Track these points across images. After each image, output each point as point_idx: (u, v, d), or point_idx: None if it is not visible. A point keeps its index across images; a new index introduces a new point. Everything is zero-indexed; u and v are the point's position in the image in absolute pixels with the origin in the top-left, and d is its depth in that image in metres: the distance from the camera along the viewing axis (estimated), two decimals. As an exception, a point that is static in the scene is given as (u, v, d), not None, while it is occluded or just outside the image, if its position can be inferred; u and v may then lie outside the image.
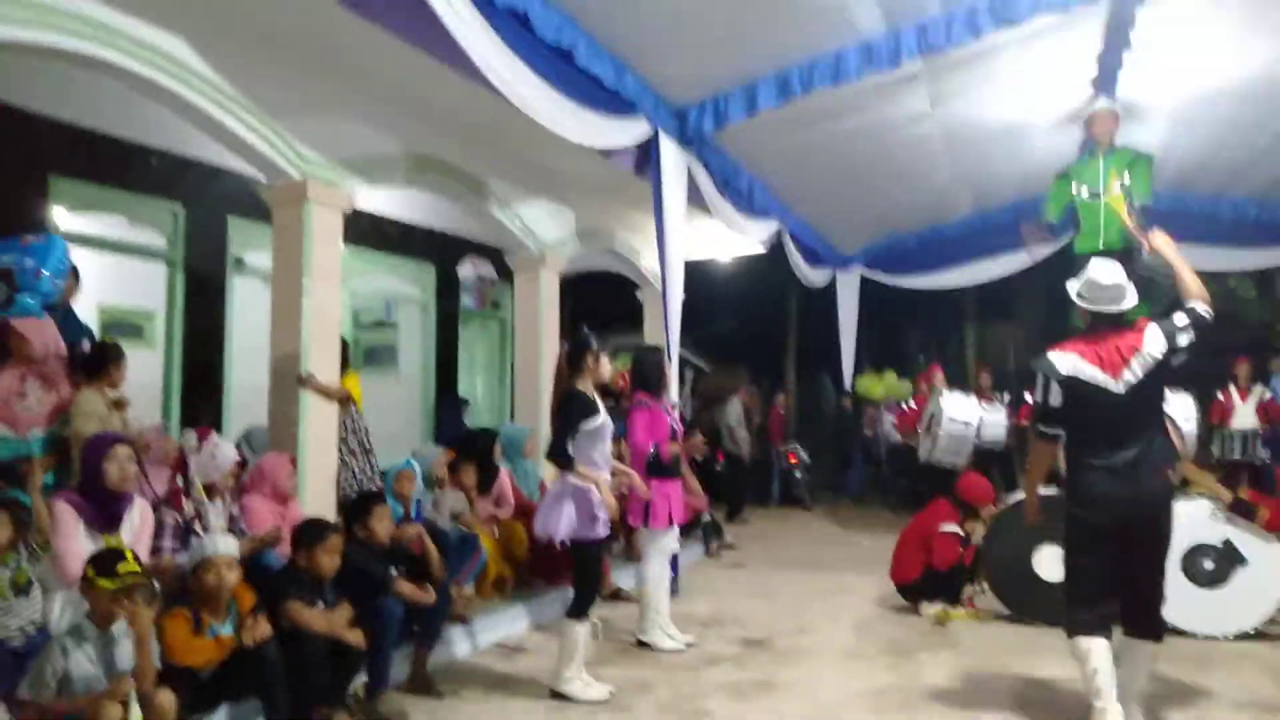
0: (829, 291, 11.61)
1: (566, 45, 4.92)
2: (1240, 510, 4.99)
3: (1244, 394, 9.42)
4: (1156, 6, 5.76)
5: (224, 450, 4.17)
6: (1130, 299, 3.61)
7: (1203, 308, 3.57)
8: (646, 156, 6.35)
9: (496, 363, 9.61)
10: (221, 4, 4.18)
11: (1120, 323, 3.60)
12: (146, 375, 6.07)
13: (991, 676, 4.44)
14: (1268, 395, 9.35)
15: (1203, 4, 5.72)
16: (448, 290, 8.94)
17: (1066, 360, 3.58)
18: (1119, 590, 3.62)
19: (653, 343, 6.61)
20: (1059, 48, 6.42)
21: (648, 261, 8.25)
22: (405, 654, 4.23)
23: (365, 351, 9.51)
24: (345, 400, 5.24)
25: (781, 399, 13.18)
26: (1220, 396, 9.47)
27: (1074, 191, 5.77)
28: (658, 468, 5.06)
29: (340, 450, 5.27)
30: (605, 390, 4.44)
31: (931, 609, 5.61)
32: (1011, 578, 5.45)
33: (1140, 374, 3.49)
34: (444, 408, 8.57)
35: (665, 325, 6.47)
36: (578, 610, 4.23)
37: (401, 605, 4.01)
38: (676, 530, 5.75)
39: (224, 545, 3.46)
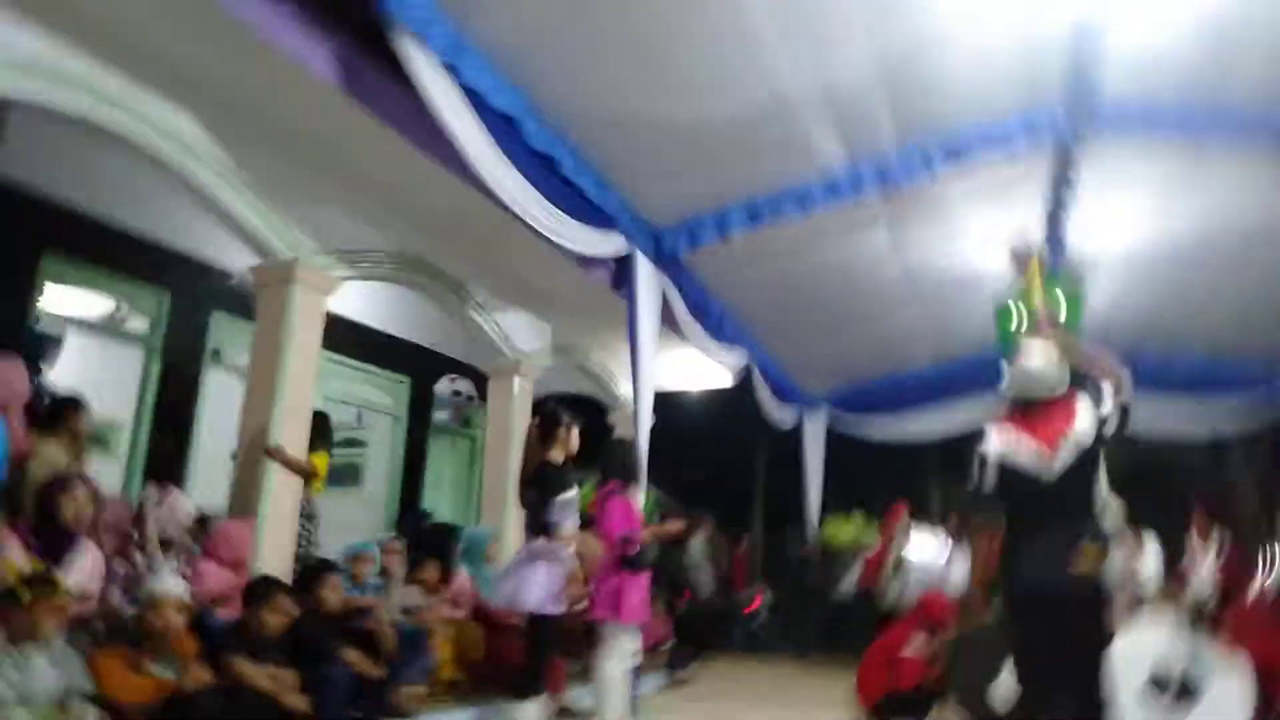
0: (797, 442, 11.79)
1: (553, 155, 5.28)
2: (1201, 633, 4.97)
3: (1205, 549, 9.47)
4: (1094, 159, 6.32)
5: (182, 504, 4.12)
6: (1062, 384, 3.64)
7: (1126, 392, 3.60)
8: (623, 272, 6.65)
9: (464, 481, 9.54)
10: (230, 89, 4.48)
11: (1052, 405, 3.60)
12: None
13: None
14: (1228, 551, 9.41)
15: (1136, 161, 6.28)
16: (420, 404, 9.00)
17: (1004, 439, 3.58)
18: (1065, 692, 3.55)
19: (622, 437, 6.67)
20: (1009, 196, 6.96)
21: (620, 383, 8.41)
22: (347, 740, 4.02)
23: (330, 470, 9.43)
24: (311, 476, 5.21)
25: (745, 543, 13.02)
26: (1185, 553, 9.53)
27: (1014, 310, 6.01)
28: (629, 560, 5.01)
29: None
30: (568, 463, 4.47)
31: (898, 731, 5.41)
32: (977, 694, 5.30)
33: (1071, 458, 3.48)
34: (406, 521, 8.44)
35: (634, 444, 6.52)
36: (527, 689, 4.07)
37: (347, 676, 3.86)
38: (639, 638, 5.61)
39: (172, 586, 3.37)
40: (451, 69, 4.38)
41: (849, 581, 11.51)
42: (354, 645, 4.23)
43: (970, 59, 5.23)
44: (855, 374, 11.13)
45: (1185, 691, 4.89)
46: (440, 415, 8.68)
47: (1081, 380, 3.71)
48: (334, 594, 4.18)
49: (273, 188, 4.96)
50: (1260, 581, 8.69)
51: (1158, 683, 4.92)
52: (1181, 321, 9.03)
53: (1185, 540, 9.57)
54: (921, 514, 13.37)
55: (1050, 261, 7.16)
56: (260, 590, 3.71)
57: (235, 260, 5.91)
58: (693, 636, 10.00)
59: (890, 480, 15.88)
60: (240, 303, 6.32)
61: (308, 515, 5.26)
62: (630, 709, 5.86)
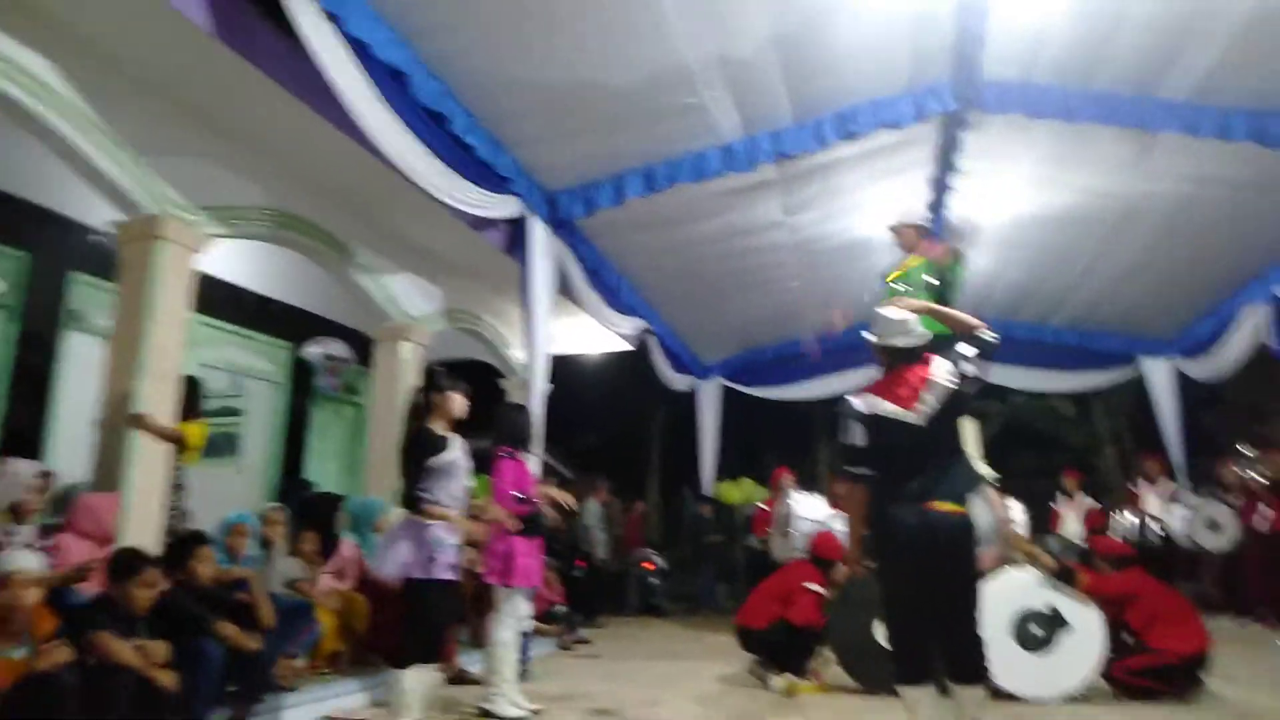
0: (692, 406, 11.96)
1: (443, 112, 5.11)
2: (1064, 576, 5.31)
3: (1072, 504, 10.14)
4: (977, 133, 6.55)
5: (17, 468, 3.85)
6: (918, 331, 3.82)
7: (987, 335, 3.82)
8: (517, 236, 6.54)
9: (351, 450, 9.26)
10: (91, 32, 4.14)
11: (912, 359, 3.79)
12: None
13: (838, 738, 4.44)
14: (1092, 505, 10.10)
15: (1015, 136, 6.53)
16: (303, 371, 8.67)
17: (866, 400, 3.75)
18: (937, 636, 3.72)
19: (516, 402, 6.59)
20: (897, 168, 7.15)
21: (515, 349, 8.30)
22: (223, 717, 3.88)
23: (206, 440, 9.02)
24: (181, 444, 4.94)
25: (640, 506, 13.17)
26: (1054, 506, 10.19)
27: (894, 288, 6.19)
28: (524, 523, 4.97)
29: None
30: (458, 426, 4.37)
31: (779, 682, 5.60)
32: (855, 650, 5.54)
33: (934, 404, 3.64)
34: (287, 492, 8.15)
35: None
36: (407, 658, 4.00)
37: (221, 650, 3.71)
38: (530, 606, 5.60)
39: (23, 561, 3.15)
40: (335, 18, 4.18)
41: (744, 538, 11.84)
42: (229, 618, 4.07)
43: (862, 35, 5.32)
44: (749, 342, 11.35)
45: (1052, 626, 5.23)
46: (319, 382, 8.33)
47: (943, 346, 3.85)
48: (205, 566, 4.00)
49: (138, 139, 4.62)
50: (1119, 530, 9.39)
51: (1026, 620, 5.25)
52: (1055, 294, 9.54)
53: (1054, 496, 10.25)
54: (810, 476, 13.89)
55: (932, 233, 7.44)
56: (125, 563, 3.51)
57: (98, 217, 5.52)
58: (587, 600, 10.10)
59: (782, 444, 16.40)
60: (103, 262, 5.92)
61: (178, 485, 5.00)
62: (523, 673, 5.88)
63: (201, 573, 3.95)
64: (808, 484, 11.40)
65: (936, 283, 6.18)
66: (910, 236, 6.41)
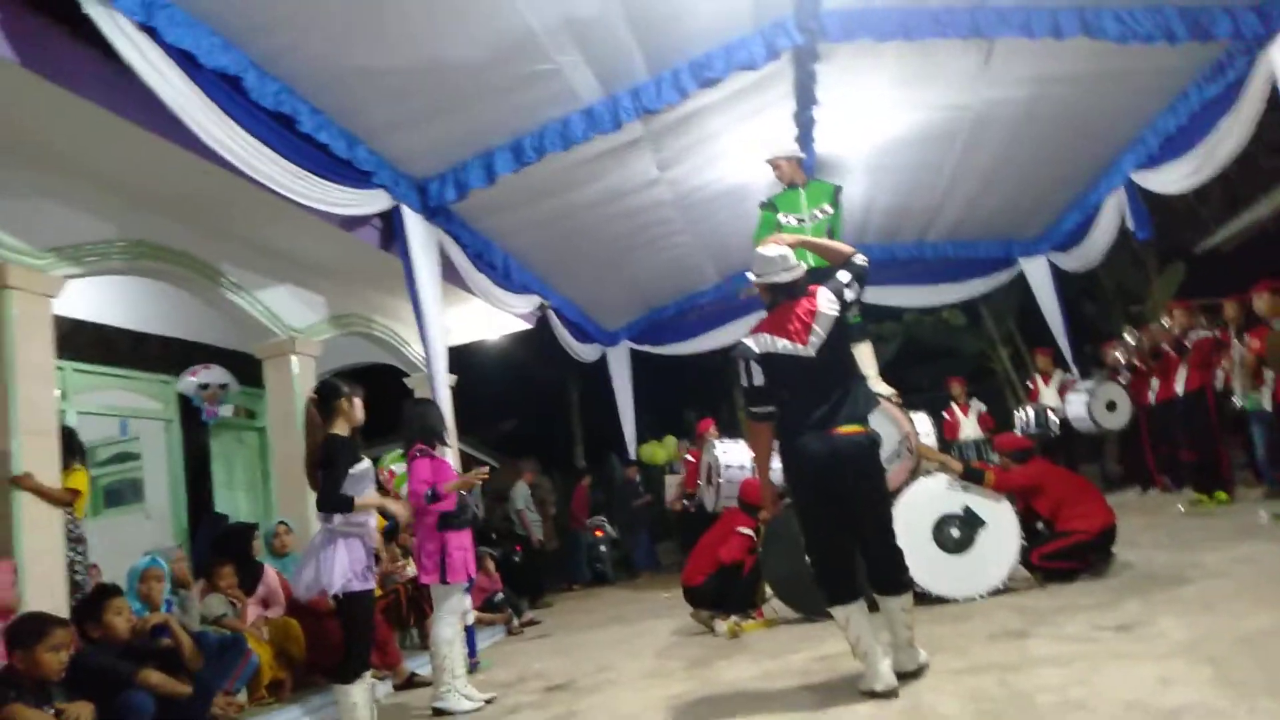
0: (604, 374, 11.99)
1: (288, 112, 4.93)
2: (971, 477, 5.55)
3: (964, 409, 10.61)
4: (828, 63, 6.67)
5: None
6: (796, 264, 3.92)
7: (858, 259, 3.96)
8: (392, 230, 6.39)
9: (259, 475, 8.98)
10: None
11: (796, 293, 3.88)
12: None
13: (781, 667, 4.57)
14: (983, 408, 10.59)
15: (864, 62, 6.67)
16: (193, 403, 8.34)
17: (759, 340, 3.82)
18: (859, 552, 3.86)
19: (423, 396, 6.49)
20: (760, 108, 7.24)
21: (413, 345, 8.15)
22: (161, 766, 3.75)
23: (105, 490, 8.63)
24: (70, 500, 4.71)
25: (586, 479, 13.17)
26: (947, 415, 10.63)
27: (781, 220, 6.30)
28: (447, 519, 4.92)
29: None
30: (355, 435, 4.30)
31: (724, 625, 5.73)
32: (791, 580, 5.70)
33: (824, 334, 3.76)
34: (201, 530, 7.87)
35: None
36: (349, 671, 3.96)
37: (151, 700, 3.59)
38: (469, 598, 5.57)
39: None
40: (151, 31, 3.97)
41: (671, 494, 12.00)
42: (156, 666, 3.93)
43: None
44: (649, 302, 11.41)
45: (968, 526, 5.46)
46: (219, 412, 7.99)
47: (823, 276, 3.95)
48: (120, 618, 3.85)
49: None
50: (1020, 425, 9.87)
51: (943, 524, 5.47)
52: (927, 210, 9.86)
53: (950, 403, 10.70)
54: (732, 424, 14.14)
55: (805, 165, 7.58)
56: (27, 629, 3.34)
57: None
58: (530, 582, 10.11)
59: (699, 397, 16.65)
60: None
61: (76, 539, 4.77)
62: (473, 665, 5.87)
63: (117, 625, 3.80)
64: (731, 432, 11.63)
65: (831, 212, 6.34)
66: (788, 169, 6.55)
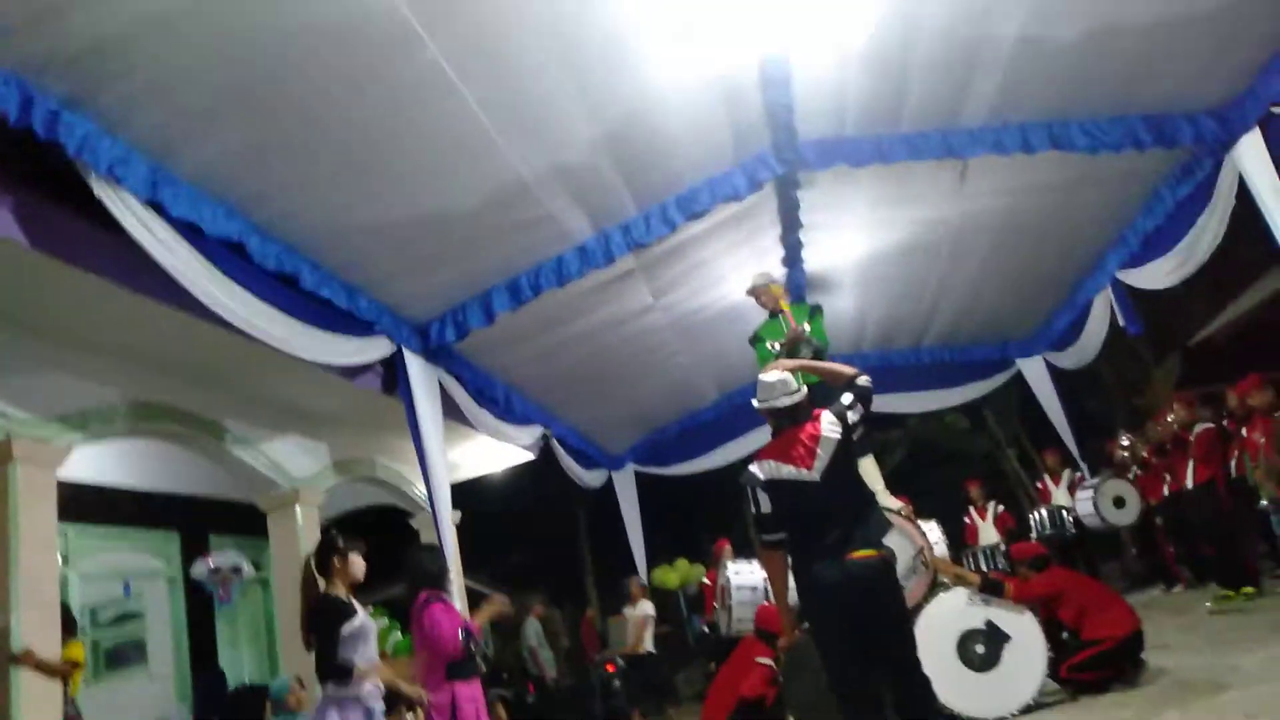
0: (613, 500, 11.86)
1: (290, 271, 5.07)
2: (990, 589, 5.43)
3: (982, 513, 10.47)
4: (809, 191, 6.91)
5: None
6: (798, 388, 3.96)
7: (861, 380, 4.00)
8: (394, 374, 6.46)
9: (264, 629, 8.77)
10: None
11: (799, 418, 3.92)
12: None
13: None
14: (1000, 509, 10.45)
15: (844, 186, 6.91)
16: (197, 559, 8.22)
17: (764, 467, 3.84)
18: (882, 681, 3.74)
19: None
20: (748, 235, 7.45)
21: (417, 485, 8.11)
22: None
23: (107, 653, 8.42)
24: (69, 674, 4.59)
25: (589, 611, 12.88)
26: (967, 520, 10.48)
27: (769, 348, 6.41)
28: (456, 668, 4.77)
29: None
30: (357, 589, 4.22)
31: (749, 762, 5.50)
32: (818, 709, 5.48)
33: (827, 457, 3.76)
34: (201, 688, 7.64)
35: (440, 545, 6.26)
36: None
37: None
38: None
39: None
40: (157, 206, 4.14)
41: (690, 620, 11.69)
42: None
43: (681, 122, 5.58)
44: (651, 424, 11.41)
45: (992, 641, 5.31)
46: (234, 596, 7.89)
47: (824, 399, 3.99)
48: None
49: (-33, 362, 4.43)
50: (1035, 527, 9.71)
51: (967, 640, 5.32)
52: (919, 318, 10.00)
53: (968, 508, 10.56)
54: (746, 542, 13.91)
55: (793, 286, 7.74)
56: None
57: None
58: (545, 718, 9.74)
59: (710, 517, 16.43)
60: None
61: (71, 717, 4.63)
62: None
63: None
64: (746, 553, 11.43)
65: (806, 331, 6.43)
66: (767, 297, 6.71)
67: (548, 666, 10.65)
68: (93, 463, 6.53)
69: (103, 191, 3.84)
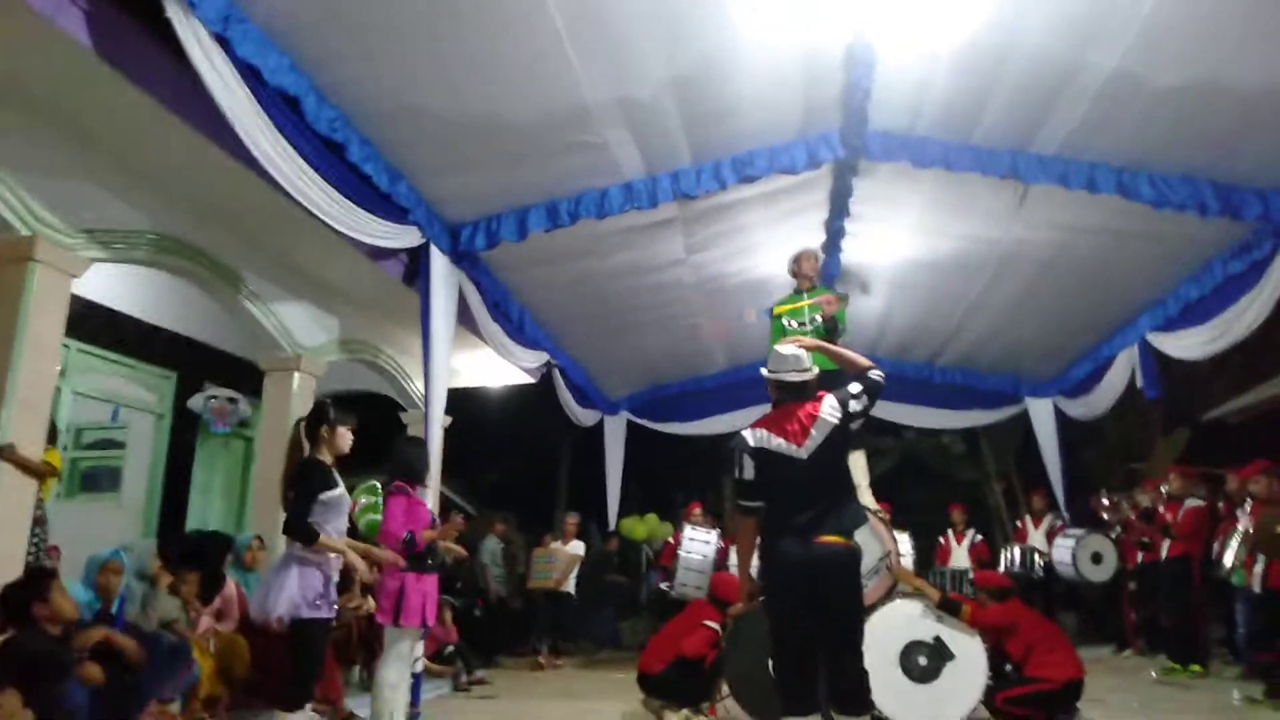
0: (600, 441, 11.93)
1: (339, 139, 5.05)
2: (947, 607, 5.47)
3: (959, 537, 10.51)
4: (866, 179, 6.83)
5: None
6: (809, 367, 3.96)
7: (874, 373, 3.99)
8: (416, 266, 6.48)
9: (238, 487, 8.90)
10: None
11: (803, 395, 3.93)
12: None
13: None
14: (978, 538, 10.48)
15: (902, 184, 6.83)
16: (188, 402, 8.33)
17: (756, 435, 3.85)
18: (823, 667, 3.80)
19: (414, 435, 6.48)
20: (793, 211, 7.38)
21: (415, 381, 8.17)
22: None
23: (83, 474, 8.58)
24: (46, 476, 4.68)
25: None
26: (941, 540, 10.52)
27: (785, 325, 6.38)
28: (414, 559, 4.86)
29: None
30: (341, 464, 4.29)
31: (675, 717, 5.60)
32: (750, 681, 5.57)
33: (820, 438, 3.78)
34: (169, 531, 7.78)
35: (426, 441, 6.32)
36: (293, 700, 3.87)
37: (85, 693, 3.51)
38: (422, 645, 5.47)
39: None
40: (225, 41, 4.11)
41: (647, 575, 11.80)
42: (94, 659, 3.86)
43: (756, 83, 5.51)
44: (654, 378, 11.43)
45: (936, 656, 5.37)
46: (208, 422, 7.97)
47: (833, 383, 3.99)
48: (67, 600, 3.79)
49: (11, 156, 4.42)
50: (1005, 563, 9.74)
51: (911, 650, 5.38)
52: (942, 335, 9.93)
53: (946, 529, 10.60)
54: (719, 511, 14.01)
55: (826, 274, 7.67)
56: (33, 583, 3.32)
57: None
58: (486, 639, 9.90)
59: (689, 479, 16.54)
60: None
61: (36, 521, 4.73)
62: (414, 716, 5.72)
63: (65, 608, 3.74)
64: (716, 518, 11.50)
65: (827, 323, 6.41)
66: (811, 266, 6.67)
67: (495, 584, 10.76)
68: (108, 284, 6.58)
69: (174, 13, 3.80)
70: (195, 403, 7.79)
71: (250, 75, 4.28)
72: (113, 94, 4.21)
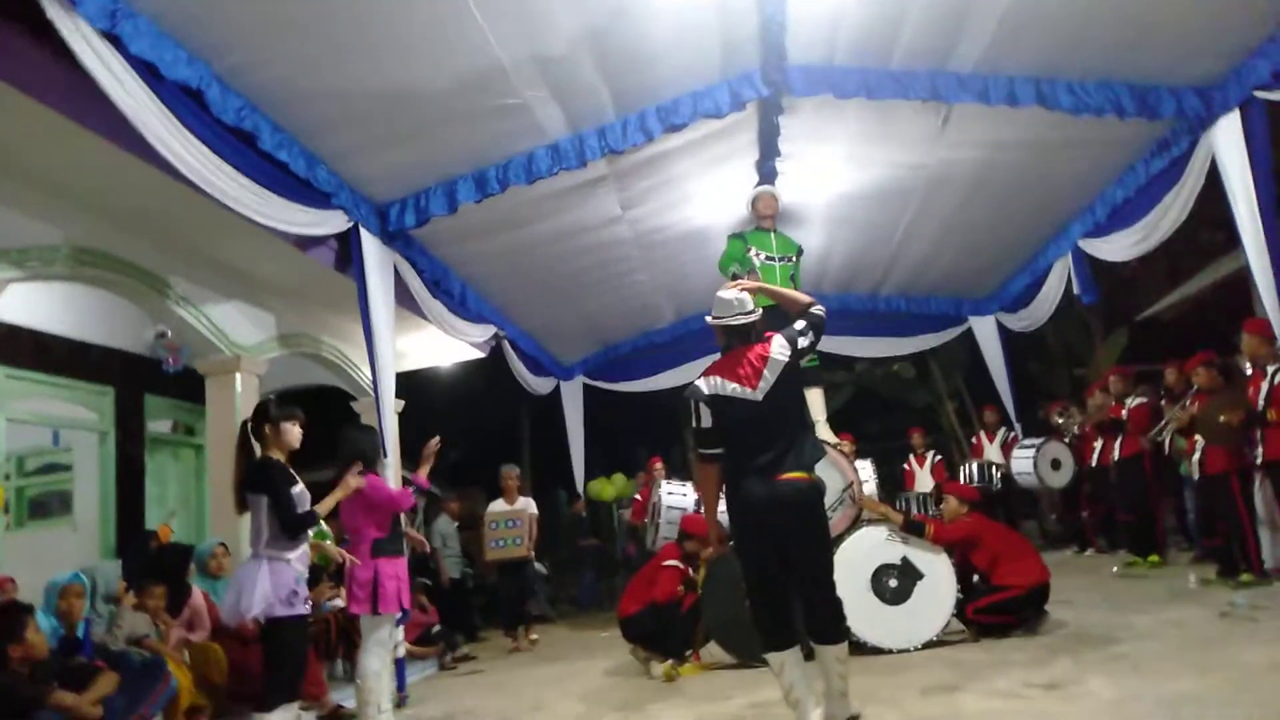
0: (558, 408, 11.91)
1: (249, 128, 4.88)
2: (911, 529, 5.61)
3: (921, 460, 10.77)
4: (791, 116, 6.82)
5: None
6: (754, 309, 3.98)
7: (816, 309, 4.03)
8: (348, 251, 6.33)
9: (194, 494, 8.74)
10: None
11: (751, 338, 3.95)
12: None
13: (715, 712, 4.55)
14: (938, 458, 10.75)
15: (827, 117, 6.83)
16: (131, 416, 8.10)
17: (709, 382, 3.88)
18: (798, 600, 3.87)
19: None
20: (724, 156, 7.35)
21: (362, 369, 8.04)
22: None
23: (30, 501, 8.34)
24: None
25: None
26: (906, 466, 10.77)
27: (749, 253, 6.43)
28: (381, 546, 4.84)
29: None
30: (291, 458, 4.23)
31: (659, 667, 5.68)
32: (730, 624, 5.68)
33: (773, 379, 3.81)
34: (129, 548, 7.62)
35: (380, 429, 6.22)
36: (274, 699, 3.85)
37: (58, 722, 3.45)
38: (401, 631, 5.46)
39: None
40: (114, 39, 3.92)
41: (621, 535, 11.89)
42: (67, 686, 3.79)
43: (671, 28, 5.42)
44: (605, 338, 11.40)
45: (905, 576, 5.52)
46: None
47: (778, 324, 4.01)
48: (40, 637, 3.71)
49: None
50: (962, 478, 10.01)
51: (881, 574, 5.52)
52: (881, 265, 10.04)
53: (905, 457, 10.85)
54: (682, 464, 14.14)
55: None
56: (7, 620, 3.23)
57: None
58: (466, 616, 9.90)
59: (651, 436, 16.66)
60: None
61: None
62: (401, 700, 5.73)
63: (38, 646, 3.66)
64: (680, 472, 11.60)
65: (793, 261, 6.52)
66: (769, 207, 6.79)
67: (447, 568, 10.33)
68: (30, 306, 6.35)
69: (56, 14, 3.62)
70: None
71: (147, 72, 4.09)
72: (4, 107, 4.01)
